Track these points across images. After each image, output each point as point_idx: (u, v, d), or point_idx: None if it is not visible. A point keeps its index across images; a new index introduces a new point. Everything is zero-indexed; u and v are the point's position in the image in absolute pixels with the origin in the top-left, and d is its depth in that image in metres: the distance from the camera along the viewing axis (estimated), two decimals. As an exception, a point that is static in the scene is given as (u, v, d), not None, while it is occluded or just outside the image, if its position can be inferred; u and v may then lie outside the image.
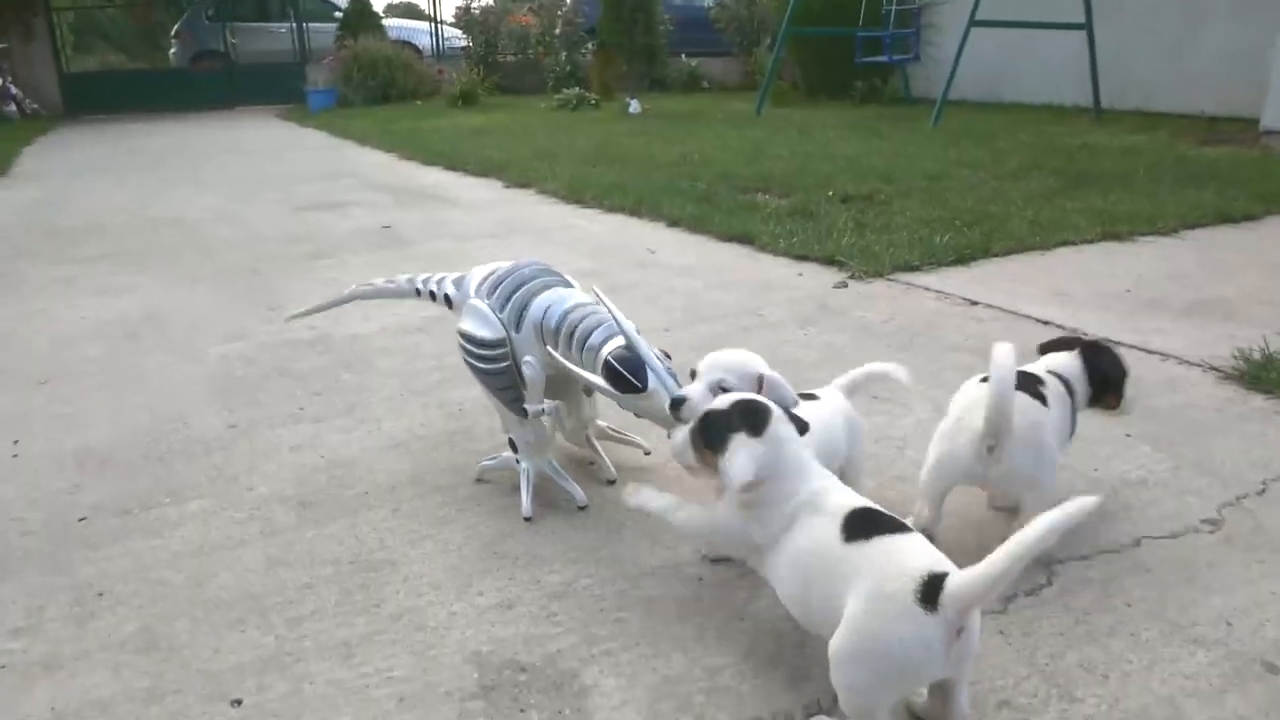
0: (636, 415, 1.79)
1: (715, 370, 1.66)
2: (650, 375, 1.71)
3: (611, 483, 2.07)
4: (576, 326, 1.85)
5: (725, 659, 1.49)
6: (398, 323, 3.30)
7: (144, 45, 23.93)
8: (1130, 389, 1.91)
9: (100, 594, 1.72)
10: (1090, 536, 1.79)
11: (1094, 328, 2.96)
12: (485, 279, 2.07)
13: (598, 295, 1.87)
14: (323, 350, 3.05)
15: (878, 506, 1.39)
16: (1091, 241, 4.13)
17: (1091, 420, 2.28)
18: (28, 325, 3.47)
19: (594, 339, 1.81)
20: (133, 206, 6.21)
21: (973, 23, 8.33)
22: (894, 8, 10.20)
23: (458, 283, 2.14)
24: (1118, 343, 2.80)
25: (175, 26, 18.39)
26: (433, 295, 2.17)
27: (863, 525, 1.33)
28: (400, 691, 1.44)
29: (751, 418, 1.44)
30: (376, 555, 1.82)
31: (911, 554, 1.27)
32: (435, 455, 2.25)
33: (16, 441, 2.41)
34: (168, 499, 2.08)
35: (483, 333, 1.98)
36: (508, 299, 1.99)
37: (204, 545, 1.88)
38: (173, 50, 18.67)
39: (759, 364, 1.69)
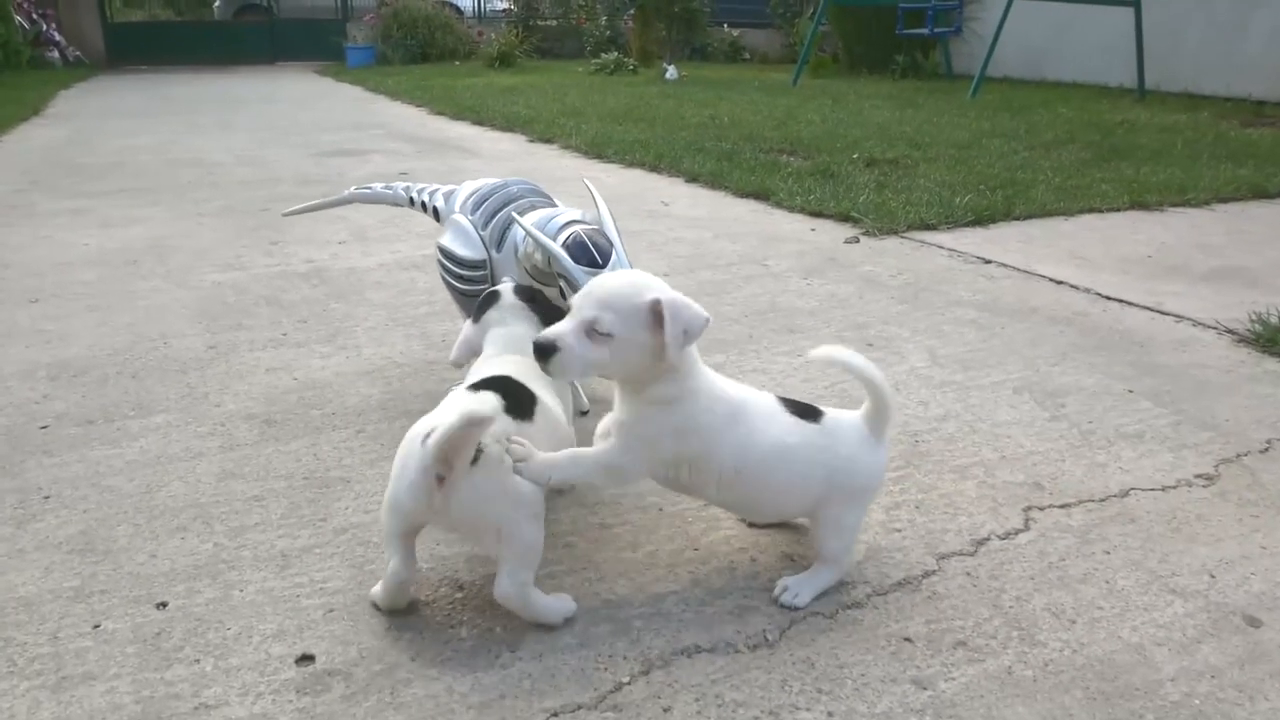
0: None
1: (589, 306, 1.26)
2: (614, 258, 1.66)
3: (584, 413, 2.00)
4: (549, 221, 1.80)
5: (671, 587, 1.42)
6: (395, 259, 3.25)
7: (191, 1, 24.07)
8: None
9: (46, 497, 1.69)
10: (1074, 485, 1.70)
11: (1109, 289, 2.84)
12: (471, 194, 2.02)
13: (586, 185, 1.83)
14: (316, 283, 3.00)
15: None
16: (1118, 210, 3.98)
17: (1091, 375, 2.19)
18: (30, 251, 3.46)
19: (556, 221, 1.79)
20: (156, 147, 6.21)
21: (1017, -6, 8.08)
22: (938, -22, 9.94)
23: (448, 196, 2.11)
24: (1130, 303, 2.69)
25: (220, -21, 18.45)
26: (424, 206, 2.17)
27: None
28: (331, 603, 1.38)
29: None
30: (332, 473, 1.77)
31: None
32: (409, 382, 2.20)
33: (-5, 354, 2.39)
34: (133, 412, 2.04)
35: (463, 251, 1.93)
36: (491, 216, 1.94)
37: (161, 456, 1.84)
38: (216, 3, 18.73)
39: (652, 288, 1.27)
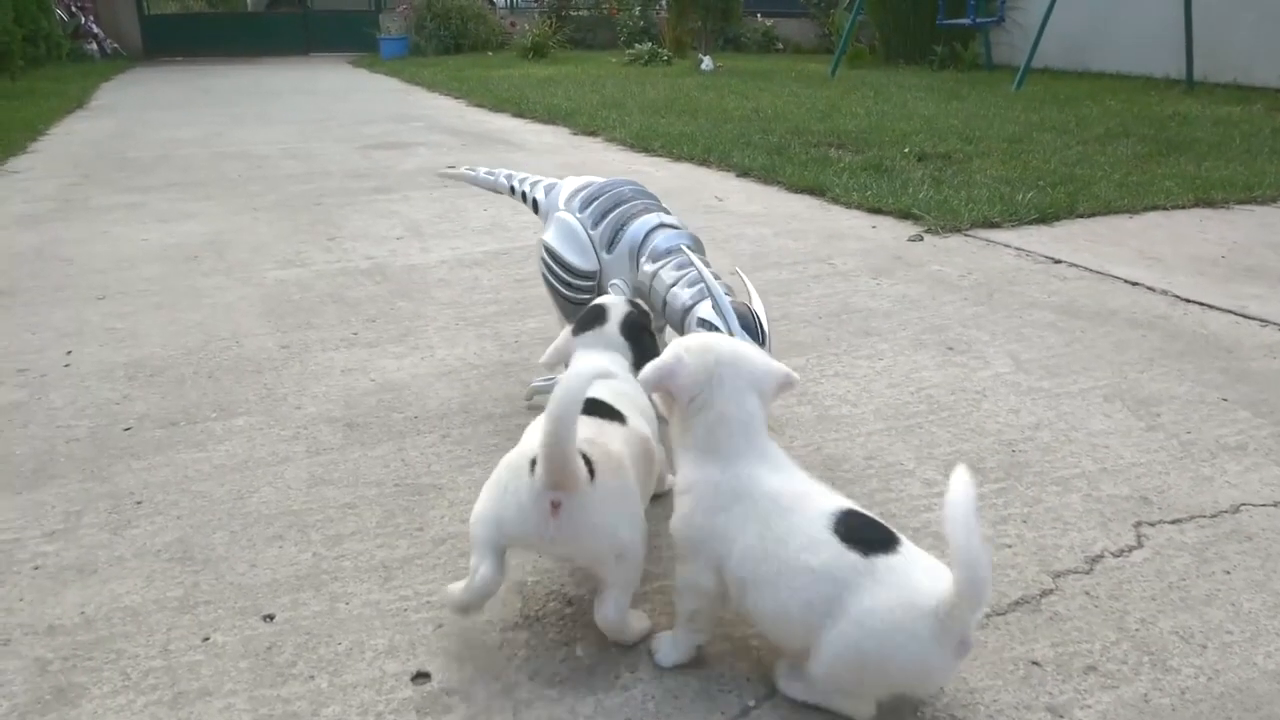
0: None
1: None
2: (766, 331, 1.65)
3: None
4: (674, 274, 1.77)
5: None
6: (455, 256, 3.23)
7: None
8: None
9: (139, 502, 1.68)
10: (1182, 500, 1.65)
11: (1186, 291, 2.78)
12: (578, 191, 1.99)
13: (741, 277, 1.84)
14: (379, 280, 2.99)
15: None
16: (1183, 207, 3.90)
17: (1182, 383, 2.13)
18: (91, 246, 3.47)
19: (685, 298, 1.73)
20: (201, 140, 6.24)
21: (1063, -17, 7.94)
22: (980, -33, 9.79)
23: (549, 189, 2.09)
24: (1211, 307, 2.63)
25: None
26: (524, 196, 2.15)
27: None
28: (439, 617, 1.36)
29: None
30: (423, 479, 1.75)
31: None
32: (488, 384, 2.17)
33: (69, 352, 2.39)
34: (214, 414, 2.03)
35: (574, 259, 1.90)
36: (603, 216, 1.90)
37: (248, 460, 1.83)
38: (251, -5, 18.83)
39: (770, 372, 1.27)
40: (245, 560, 1.51)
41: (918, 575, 1.08)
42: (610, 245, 1.88)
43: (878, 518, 1.18)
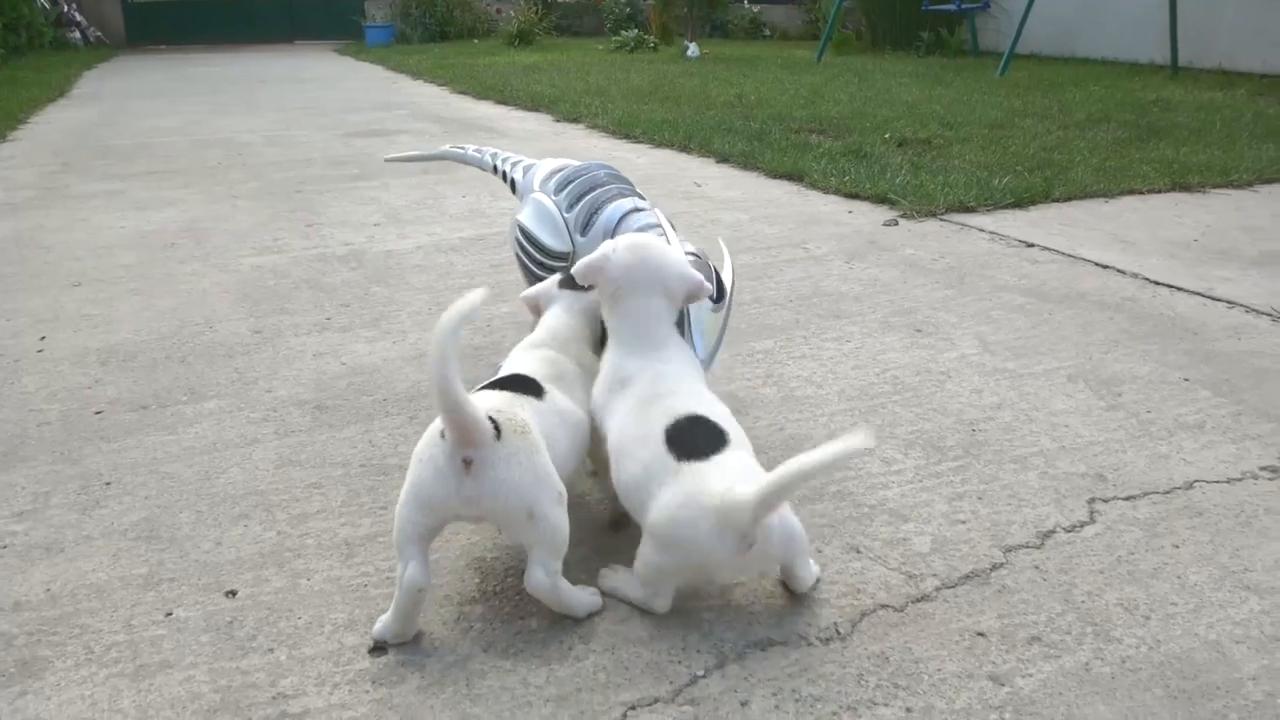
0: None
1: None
2: (727, 289, 1.70)
3: None
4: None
5: (740, 579, 1.41)
6: (432, 242, 3.24)
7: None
8: None
9: (108, 483, 1.70)
10: (1137, 477, 1.68)
11: (1157, 274, 2.81)
12: (554, 174, 2.01)
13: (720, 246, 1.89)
14: (355, 266, 3.00)
15: None
16: (1159, 191, 3.93)
17: (1145, 364, 2.16)
18: (70, 234, 3.47)
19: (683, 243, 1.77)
20: (183, 128, 6.22)
21: (1048, -31, 7.95)
22: (965, -47, 9.79)
23: (526, 170, 2.11)
24: (1180, 289, 2.66)
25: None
26: (504, 175, 2.18)
27: None
28: (399, 592, 1.38)
29: None
30: (389, 460, 1.77)
31: None
32: (459, 367, 2.19)
33: (43, 338, 2.40)
34: (185, 397, 2.05)
35: (548, 240, 1.92)
36: (578, 199, 1.92)
37: (217, 442, 1.85)
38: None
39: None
40: (210, 539, 1.53)
41: (713, 479, 1.23)
42: (585, 228, 1.90)
43: (723, 424, 1.33)
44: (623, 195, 1.91)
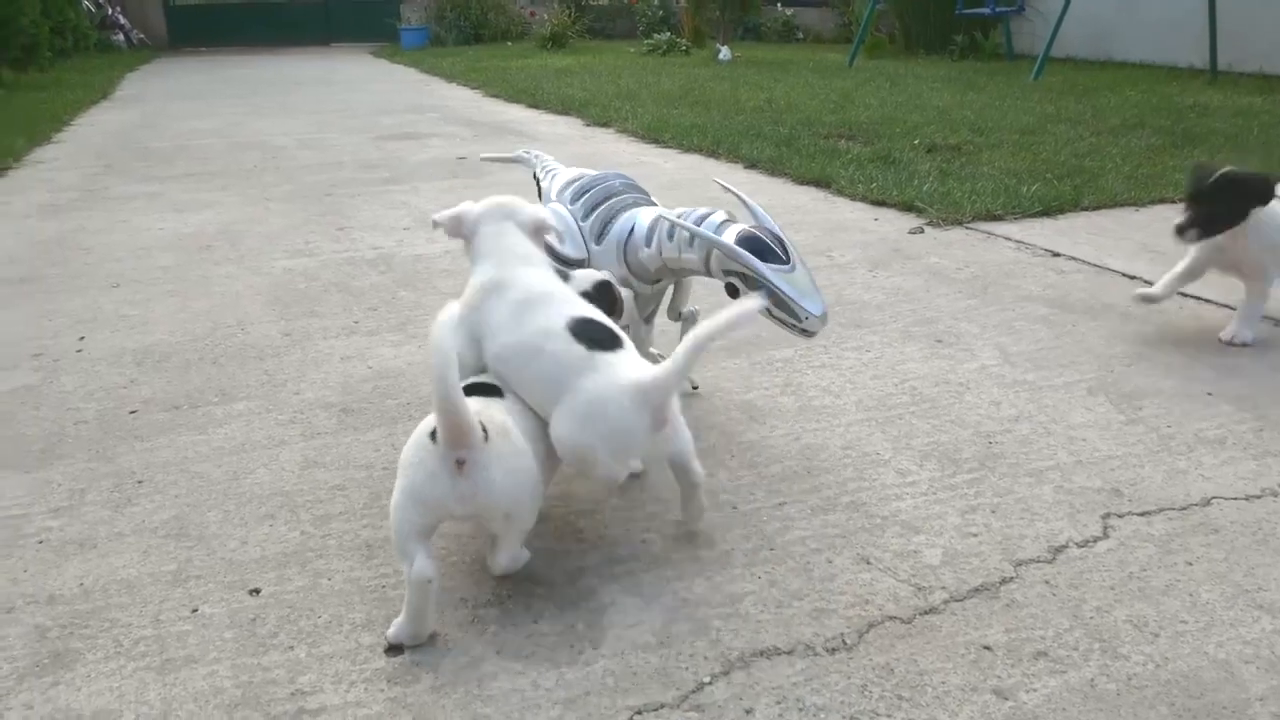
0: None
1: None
2: (793, 252, 1.71)
3: (695, 387, 2.10)
4: (702, 221, 1.79)
5: (748, 587, 1.43)
6: (460, 246, 3.28)
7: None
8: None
9: (140, 482, 1.75)
10: (1154, 493, 1.68)
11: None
12: (570, 183, 2.03)
13: (732, 191, 1.92)
14: (384, 269, 3.05)
15: None
16: (1192, 201, 3.88)
17: (1169, 377, 2.15)
18: (110, 235, 3.56)
19: (712, 219, 1.78)
20: (220, 130, 6.33)
21: (1084, -27, 7.86)
22: (1000, -44, 9.71)
23: (551, 178, 2.13)
24: (1208, 300, 2.64)
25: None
26: (537, 181, 2.19)
27: None
28: (417, 593, 1.42)
29: None
30: (411, 464, 1.81)
31: None
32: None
33: (82, 338, 2.47)
34: (216, 398, 2.10)
35: (564, 248, 1.94)
36: (593, 208, 1.94)
37: (245, 443, 1.90)
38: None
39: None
40: (237, 538, 1.57)
41: (625, 366, 1.41)
42: (599, 237, 1.92)
43: (611, 325, 1.50)
44: (638, 204, 1.93)
